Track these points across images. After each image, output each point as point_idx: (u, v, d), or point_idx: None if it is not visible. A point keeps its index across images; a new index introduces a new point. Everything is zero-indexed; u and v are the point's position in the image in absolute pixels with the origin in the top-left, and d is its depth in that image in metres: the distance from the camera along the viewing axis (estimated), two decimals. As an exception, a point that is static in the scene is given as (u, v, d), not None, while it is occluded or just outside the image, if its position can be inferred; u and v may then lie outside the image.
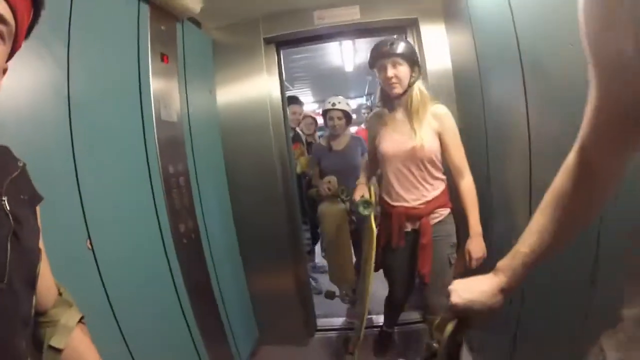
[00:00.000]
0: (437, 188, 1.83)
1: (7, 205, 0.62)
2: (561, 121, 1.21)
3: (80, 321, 0.82)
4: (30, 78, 1.07)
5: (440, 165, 1.83)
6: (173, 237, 1.69)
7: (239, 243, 2.53)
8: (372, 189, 2.03)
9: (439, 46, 2.33)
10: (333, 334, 2.81)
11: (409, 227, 1.88)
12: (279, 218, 2.53)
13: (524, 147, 1.45)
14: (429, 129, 1.77)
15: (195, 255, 1.91)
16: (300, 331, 2.66)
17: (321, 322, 2.93)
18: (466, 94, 2.16)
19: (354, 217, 2.73)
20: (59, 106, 1.16)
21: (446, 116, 1.78)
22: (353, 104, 11.24)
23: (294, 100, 3.58)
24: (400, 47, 1.73)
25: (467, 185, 1.76)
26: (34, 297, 0.68)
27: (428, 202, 1.82)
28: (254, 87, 2.47)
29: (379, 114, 1.98)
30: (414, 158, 1.78)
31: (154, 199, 1.61)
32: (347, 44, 4.76)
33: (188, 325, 1.73)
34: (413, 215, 1.84)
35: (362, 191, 2.00)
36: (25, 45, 0.66)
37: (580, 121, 0.63)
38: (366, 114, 4.62)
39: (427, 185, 1.82)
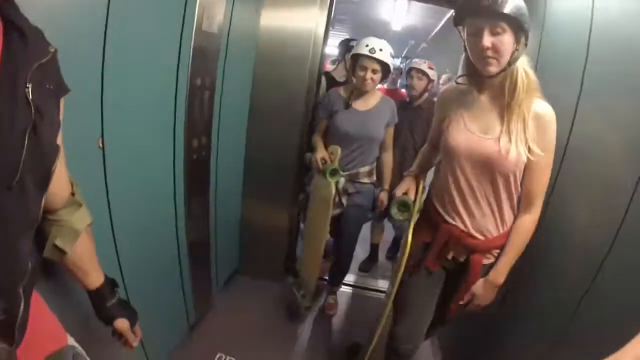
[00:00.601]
0: (507, 219, 1.33)
1: (30, 93, 0.57)
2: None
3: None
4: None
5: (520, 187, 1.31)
6: (185, 151, 1.66)
7: (245, 170, 2.52)
8: (420, 187, 1.57)
9: None
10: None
11: (450, 255, 1.41)
12: (288, 156, 2.51)
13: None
14: (522, 132, 1.22)
15: (201, 173, 1.90)
16: (279, 270, 2.74)
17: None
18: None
19: (342, 200, 2.25)
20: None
21: (549, 121, 1.20)
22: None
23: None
24: (509, 5, 1.11)
25: (527, 222, 1.29)
26: (44, 198, 0.65)
27: (493, 236, 1.34)
28: (301, 18, 2.34)
29: (462, 90, 1.37)
30: (492, 168, 1.25)
31: (175, 108, 1.56)
32: (401, 2, 4.49)
33: (177, 238, 1.76)
34: (466, 244, 1.35)
35: (407, 187, 1.55)
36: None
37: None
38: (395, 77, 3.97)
39: (496, 211, 1.32)
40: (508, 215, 1.32)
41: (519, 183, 1.27)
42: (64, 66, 0.69)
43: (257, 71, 2.37)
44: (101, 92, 1.12)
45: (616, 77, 1.21)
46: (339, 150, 2.13)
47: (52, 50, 0.66)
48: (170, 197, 1.67)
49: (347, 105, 2.16)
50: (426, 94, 2.85)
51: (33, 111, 0.57)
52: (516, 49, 1.17)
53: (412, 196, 1.52)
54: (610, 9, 1.30)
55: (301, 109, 2.44)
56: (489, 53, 1.16)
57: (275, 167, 2.53)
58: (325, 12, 2.40)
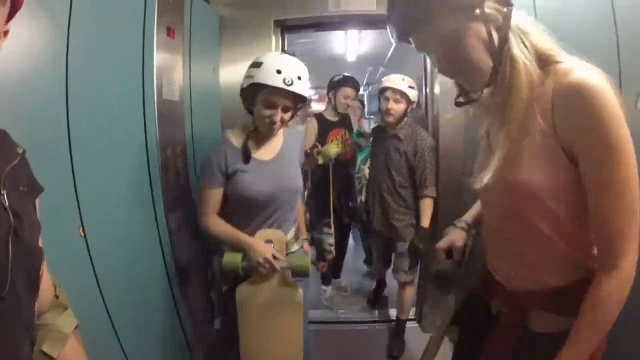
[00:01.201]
0: (559, 270, 0.83)
1: (5, 199, 0.56)
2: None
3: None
4: (26, 43, 0.97)
5: (572, 221, 0.79)
6: (168, 225, 1.61)
7: None
8: (470, 239, 1.15)
9: None
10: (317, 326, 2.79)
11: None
12: None
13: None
14: (539, 135, 0.76)
15: (192, 245, 1.83)
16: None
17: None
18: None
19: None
20: (56, 74, 1.06)
21: (585, 95, 0.69)
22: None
23: (346, 82, 2.70)
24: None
25: (608, 288, 0.73)
26: (36, 302, 0.64)
27: (536, 292, 0.86)
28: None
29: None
30: (510, 201, 0.84)
31: (150, 183, 1.53)
32: (352, 33, 4.65)
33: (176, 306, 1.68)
34: (516, 303, 0.91)
35: (453, 240, 1.15)
36: (23, 7, 0.58)
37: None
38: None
39: (534, 260, 0.85)
40: (554, 261, 0.83)
41: (562, 213, 0.78)
42: (29, 149, 0.68)
43: (225, 127, 2.35)
44: (74, 182, 1.10)
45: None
46: (281, 234, 1.52)
47: (20, 151, 0.65)
48: (163, 273, 1.60)
49: (247, 158, 1.47)
50: (405, 119, 2.30)
51: (11, 217, 0.57)
52: (488, 38, 0.76)
53: (457, 257, 1.13)
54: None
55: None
56: (456, 76, 0.86)
57: None
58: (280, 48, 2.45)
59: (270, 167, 1.51)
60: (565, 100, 0.71)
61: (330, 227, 2.54)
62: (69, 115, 1.08)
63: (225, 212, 1.53)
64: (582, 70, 0.71)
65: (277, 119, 1.41)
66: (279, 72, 1.33)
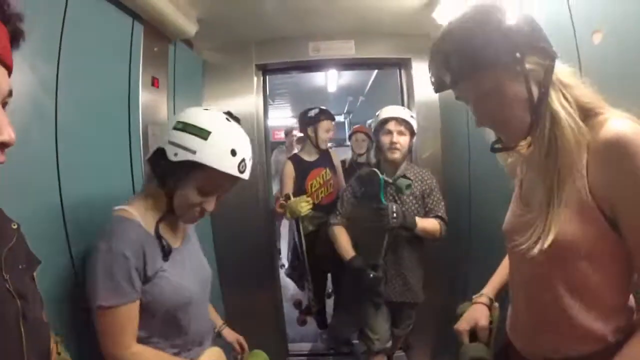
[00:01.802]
0: (579, 339, 0.77)
1: (9, 283, 0.58)
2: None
3: None
4: (14, 99, 0.99)
5: (618, 280, 0.75)
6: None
7: (218, 266, 2.43)
8: (495, 315, 1.04)
9: (428, 79, 2.37)
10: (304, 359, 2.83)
11: None
12: (256, 236, 2.48)
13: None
14: (577, 191, 0.72)
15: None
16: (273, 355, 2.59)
17: (293, 347, 2.93)
18: (451, 117, 2.29)
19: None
20: (46, 131, 1.09)
21: (622, 147, 0.65)
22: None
23: (325, 115, 2.55)
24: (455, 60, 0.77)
25: None
26: None
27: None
28: (241, 104, 2.44)
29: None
30: (543, 259, 0.75)
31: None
32: (332, 72, 4.80)
33: None
34: None
35: (476, 319, 1.02)
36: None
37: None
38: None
39: (555, 324, 0.80)
40: (598, 328, 0.75)
41: (605, 274, 0.73)
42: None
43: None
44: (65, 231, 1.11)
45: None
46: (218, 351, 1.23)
47: (15, 227, 0.66)
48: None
49: (168, 253, 1.05)
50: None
51: (18, 301, 0.58)
52: (527, 89, 0.73)
53: (484, 337, 1.00)
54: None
55: (260, 187, 2.47)
56: (493, 129, 0.82)
57: (246, 258, 2.47)
58: (261, 99, 2.54)
59: (184, 256, 1.14)
60: (600, 155, 0.68)
61: (309, 282, 2.49)
62: (59, 166, 1.10)
63: (144, 326, 1.02)
64: (617, 122, 0.67)
65: (212, 208, 1.08)
66: (233, 153, 0.98)
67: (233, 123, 1.04)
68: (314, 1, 1.70)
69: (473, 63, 0.72)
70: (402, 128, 1.93)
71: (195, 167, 0.96)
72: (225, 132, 1.00)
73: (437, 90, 0.84)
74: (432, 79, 0.83)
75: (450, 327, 1.07)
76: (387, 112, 1.97)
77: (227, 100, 2.41)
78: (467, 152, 2.06)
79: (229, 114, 1.06)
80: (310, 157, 2.58)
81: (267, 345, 2.51)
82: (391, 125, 1.92)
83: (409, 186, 1.79)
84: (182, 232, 1.17)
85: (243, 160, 1.00)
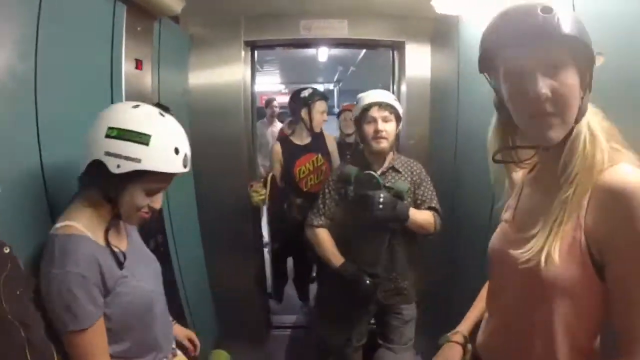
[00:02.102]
0: None
1: (10, 313, 0.59)
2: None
3: None
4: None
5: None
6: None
7: (202, 236, 2.45)
8: (467, 358, 1.01)
9: (421, 62, 2.39)
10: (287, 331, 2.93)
11: None
12: (242, 217, 2.49)
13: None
14: (574, 225, 0.71)
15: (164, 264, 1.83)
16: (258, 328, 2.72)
17: (276, 319, 3.04)
18: (441, 102, 2.29)
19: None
20: (27, 129, 1.05)
21: (625, 196, 0.64)
22: (321, 88, 11.06)
23: (319, 95, 2.42)
24: (570, 23, 0.67)
25: None
26: None
27: None
28: (229, 82, 2.38)
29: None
30: (533, 286, 0.75)
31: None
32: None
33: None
34: None
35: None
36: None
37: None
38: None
39: (549, 356, 0.76)
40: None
41: (586, 312, 0.73)
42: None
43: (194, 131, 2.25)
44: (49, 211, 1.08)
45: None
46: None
47: (7, 250, 0.65)
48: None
49: (122, 260, 1.01)
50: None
51: (21, 329, 0.60)
52: (585, 92, 0.71)
53: None
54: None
55: (244, 160, 2.45)
56: (548, 107, 0.69)
57: (232, 226, 2.48)
58: (249, 70, 2.47)
59: (135, 255, 1.10)
60: (603, 198, 0.67)
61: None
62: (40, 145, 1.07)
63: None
64: (626, 168, 0.66)
65: (159, 205, 1.05)
66: (176, 151, 0.97)
67: (167, 117, 1.00)
68: None
69: (577, 32, 0.67)
70: (386, 114, 1.70)
71: (140, 174, 0.93)
72: (164, 131, 0.96)
73: (492, 45, 0.74)
74: (520, 20, 0.70)
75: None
76: (368, 97, 1.74)
77: (214, 75, 2.35)
78: (455, 141, 2.07)
79: (159, 106, 1.01)
80: (301, 140, 2.42)
81: (250, 318, 2.64)
82: (374, 112, 1.70)
83: (409, 190, 1.69)
84: (123, 231, 1.12)
85: (185, 155, 0.99)
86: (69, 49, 1.24)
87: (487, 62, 0.76)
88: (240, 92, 2.37)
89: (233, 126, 2.38)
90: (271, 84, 8.84)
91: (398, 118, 1.76)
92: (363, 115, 1.73)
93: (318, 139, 2.45)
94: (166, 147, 0.95)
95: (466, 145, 1.97)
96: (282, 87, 9.50)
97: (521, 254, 0.74)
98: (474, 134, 1.76)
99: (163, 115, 0.98)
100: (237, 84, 2.36)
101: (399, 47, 2.42)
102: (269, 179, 2.32)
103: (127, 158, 0.90)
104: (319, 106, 2.37)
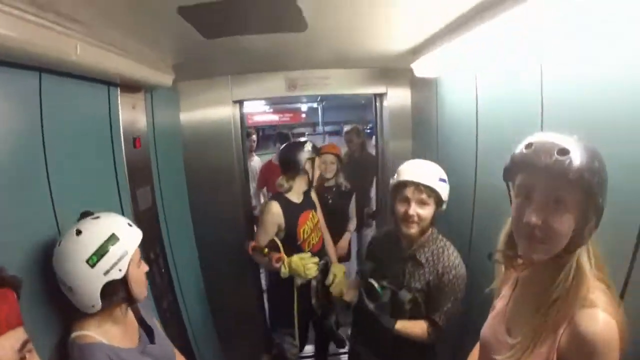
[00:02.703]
0: None
1: None
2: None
3: None
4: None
5: None
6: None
7: (200, 260, 2.54)
8: None
9: (402, 108, 2.54)
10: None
11: None
12: (238, 243, 2.46)
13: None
14: (544, 349, 0.80)
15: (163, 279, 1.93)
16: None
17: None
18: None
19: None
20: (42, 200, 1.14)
21: (595, 345, 0.74)
22: (305, 107, 11.01)
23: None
24: (581, 165, 0.74)
25: None
26: None
27: None
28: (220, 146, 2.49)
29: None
30: None
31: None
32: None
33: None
34: None
35: None
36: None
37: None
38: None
39: None
40: None
41: None
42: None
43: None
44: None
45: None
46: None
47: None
48: None
49: (145, 340, 1.25)
50: (431, 230, 1.59)
51: None
52: (581, 230, 0.78)
53: None
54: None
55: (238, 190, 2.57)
56: (537, 233, 0.79)
57: (228, 253, 2.54)
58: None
59: (147, 349, 1.20)
60: (574, 335, 0.76)
61: (294, 339, 2.21)
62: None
63: None
64: (603, 318, 0.74)
65: (147, 267, 1.20)
66: (129, 225, 1.15)
67: (99, 214, 1.11)
68: (291, 39, 1.63)
69: (585, 179, 0.73)
70: (424, 196, 1.48)
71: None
72: (112, 222, 1.10)
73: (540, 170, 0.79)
74: (533, 153, 0.79)
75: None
76: (406, 172, 1.52)
77: (206, 137, 2.45)
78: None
79: (85, 213, 1.12)
80: (297, 198, 2.21)
81: (251, 340, 2.67)
82: (409, 192, 1.49)
83: (411, 300, 1.51)
84: (132, 326, 1.22)
85: (131, 223, 1.14)
86: (72, 136, 1.33)
87: (508, 174, 0.87)
88: (233, 153, 2.49)
89: (226, 159, 2.50)
90: (254, 104, 8.90)
91: (439, 202, 1.52)
92: (397, 191, 1.54)
93: (308, 193, 2.30)
94: (126, 227, 1.10)
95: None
96: (266, 108, 9.58)
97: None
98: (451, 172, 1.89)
99: (98, 217, 1.09)
100: (227, 127, 2.48)
101: (380, 96, 2.55)
102: (279, 243, 2.11)
103: (119, 259, 1.04)
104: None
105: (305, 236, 2.16)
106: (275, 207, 2.08)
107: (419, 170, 1.51)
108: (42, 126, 1.17)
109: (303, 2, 1.23)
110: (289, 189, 2.18)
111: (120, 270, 1.04)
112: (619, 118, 0.94)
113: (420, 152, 2.39)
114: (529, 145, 0.79)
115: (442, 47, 1.58)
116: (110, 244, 1.03)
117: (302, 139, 2.39)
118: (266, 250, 2.03)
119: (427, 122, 2.28)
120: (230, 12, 1.30)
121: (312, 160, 2.19)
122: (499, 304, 1.00)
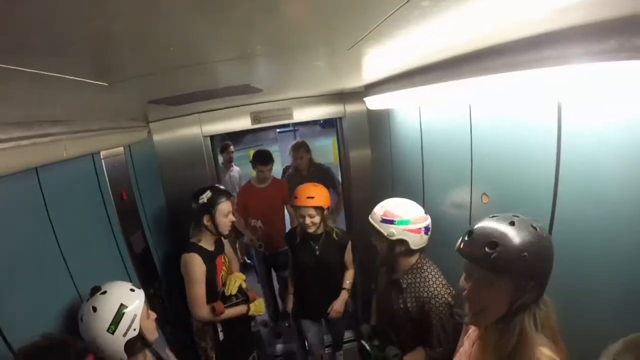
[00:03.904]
0: None
1: None
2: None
3: None
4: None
5: None
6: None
7: None
8: None
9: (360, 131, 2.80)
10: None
11: None
12: None
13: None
14: None
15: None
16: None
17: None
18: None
19: None
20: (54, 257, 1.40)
21: None
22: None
23: (223, 196, 2.12)
24: (497, 266, 0.91)
25: None
26: None
27: None
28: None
29: None
30: None
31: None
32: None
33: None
34: None
35: None
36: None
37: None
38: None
39: None
40: None
41: None
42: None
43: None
44: None
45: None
46: None
47: None
48: None
49: None
50: (418, 259, 1.73)
51: None
52: (515, 303, 0.92)
53: None
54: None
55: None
56: (465, 299, 0.99)
57: None
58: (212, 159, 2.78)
59: None
60: None
61: None
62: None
63: None
64: None
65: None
66: (132, 290, 1.37)
67: (106, 287, 1.33)
68: (256, 80, 1.65)
69: (508, 265, 0.88)
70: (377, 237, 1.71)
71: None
72: (121, 293, 1.33)
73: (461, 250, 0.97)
74: (468, 244, 0.96)
75: None
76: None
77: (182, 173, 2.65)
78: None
79: (94, 289, 1.34)
80: (211, 246, 2.15)
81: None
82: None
83: (396, 355, 1.66)
84: None
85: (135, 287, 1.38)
86: (73, 212, 1.56)
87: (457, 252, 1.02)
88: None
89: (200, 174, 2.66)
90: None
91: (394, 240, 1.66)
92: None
93: (219, 239, 2.23)
94: (129, 294, 1.34)
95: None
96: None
97: None
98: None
99: (105, 292, 1.32)
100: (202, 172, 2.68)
101: (340, 119, 2.81)
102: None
103: (132, 321, 1.30)
104: (223, 208, 2.09)
105: (223, 281, 2.22)
106: (195, 260, 2.03)
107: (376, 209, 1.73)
108: (47, 210, 1.39)
109: (256, 83, 1.45)
110: (202, 238, 2.12)
111: (134, 329, 1.30)
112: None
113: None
114: (469, 234, 0.96)
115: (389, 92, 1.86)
116: (121, 313, 1.28)
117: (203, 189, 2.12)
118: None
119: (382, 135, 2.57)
120: (194, 96, 1.51)
121: (209, 213, 2.06)
122: (466, 344, 1.18)
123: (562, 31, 0.80)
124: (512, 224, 0.91)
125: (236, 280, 2.20)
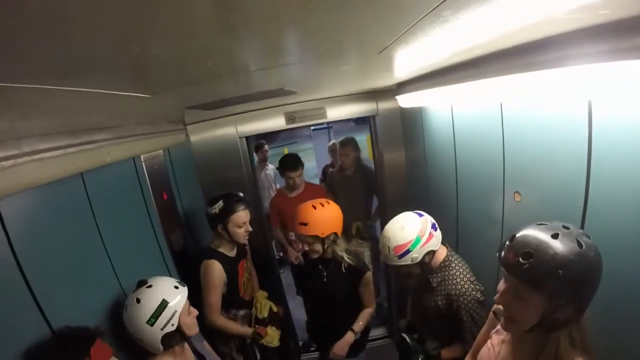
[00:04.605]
0: None
1: None
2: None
3: None
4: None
5: None
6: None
7: None
8: None
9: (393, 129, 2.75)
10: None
11: None
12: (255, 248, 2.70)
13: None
14: None
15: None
16: None
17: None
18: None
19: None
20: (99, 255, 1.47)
21: None
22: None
23: (242, 203, 2.06)
24: (527, 277, 0.88)
25: None
26: None
27: None
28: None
29: None
30: None
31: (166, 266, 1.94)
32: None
33: None
34: None
35: None
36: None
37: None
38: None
39: None
40: None
41: None
42: None
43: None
44: None
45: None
46: None
47: None
48: None
49: None
50: (447, 257, 1.72)
51: None
52: (549, 318, 0.88)
53: None
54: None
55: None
56: (502, 307, 0.97)
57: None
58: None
59: None
60: None
61: None
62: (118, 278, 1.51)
63: None
64: None
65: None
66: (176, 287, 1.45)
67: (152, 281, 1.41)
68: (288, 84, 1.65)
69: (540, 279, 0.83)
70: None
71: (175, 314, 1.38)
72: (164, 289, 1.39)
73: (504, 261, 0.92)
74: (506, 249, 0.92)
75: None
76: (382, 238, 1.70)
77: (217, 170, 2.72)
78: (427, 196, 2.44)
79: (140, 283, 1.41)
80: (231, 251, 2.12)
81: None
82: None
83: (436, 348, 1.65)
84: (189, 356, 1.56)
85: (178, 284, 1.43)
86: (116, 212, 1.63)
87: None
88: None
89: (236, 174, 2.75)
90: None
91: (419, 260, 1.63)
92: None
93: (241, 244, 2.18)
94: (172, 290, 1.40)
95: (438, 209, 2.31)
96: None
97: None
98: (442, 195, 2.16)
99: (150, 285, 1.40)
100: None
101: (374, 117, 2.78)
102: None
103: (171, 317, 1.36)
104: (237, 218, 2.01)
105: (245, 288, 2.19)
106: (216, 267, 1.99)
107: (387, 234, 1.67)
108: (92, 211, 1.47)
109: (289, 87, 1.47)
110: (221, 245, 2.08)
111: (173, 325, 1.37)
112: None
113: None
114: (511, 239, 0.92)
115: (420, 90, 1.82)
116: (162, 308, 1.35)
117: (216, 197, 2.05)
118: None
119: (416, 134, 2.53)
120: (229, 101, 1.55)
121: (222, 222, 2.01)
122: (494, 339, 1.16)
123: (590, 28, 0.78)
124: (555, 236, 0.84)
125: (266, 304, 2.22)
